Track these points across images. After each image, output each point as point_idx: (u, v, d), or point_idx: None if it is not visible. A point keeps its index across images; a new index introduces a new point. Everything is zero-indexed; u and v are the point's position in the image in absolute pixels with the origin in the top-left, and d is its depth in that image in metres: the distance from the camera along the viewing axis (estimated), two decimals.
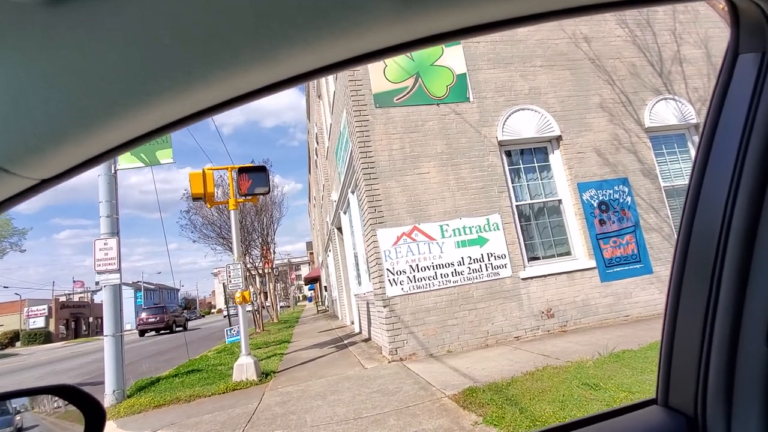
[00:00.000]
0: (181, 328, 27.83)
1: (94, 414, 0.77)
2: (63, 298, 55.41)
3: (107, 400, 5.85)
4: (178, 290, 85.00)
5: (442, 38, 0.42)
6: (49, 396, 1.20)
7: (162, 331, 26.54)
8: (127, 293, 59.25)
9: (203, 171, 6.73)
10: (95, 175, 6.61)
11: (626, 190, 6.64)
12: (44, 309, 47.86)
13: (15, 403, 1.18)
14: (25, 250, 34.52)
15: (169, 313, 27.45)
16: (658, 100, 7.08)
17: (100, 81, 0.36)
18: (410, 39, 0.41)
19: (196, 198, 7.03)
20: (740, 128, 0.57)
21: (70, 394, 0.79)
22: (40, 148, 0.40)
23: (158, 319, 26.58)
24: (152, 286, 70.71)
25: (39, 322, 46.90)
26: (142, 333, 26.78)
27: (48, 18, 0.31)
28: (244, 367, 6.12)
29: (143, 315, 27.40)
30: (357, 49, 0.40)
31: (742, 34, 0.57)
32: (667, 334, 0.68)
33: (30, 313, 47.13)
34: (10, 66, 0.34)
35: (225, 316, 15.65)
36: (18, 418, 1.16)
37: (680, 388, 0.66)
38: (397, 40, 0.41)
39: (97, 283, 6.53)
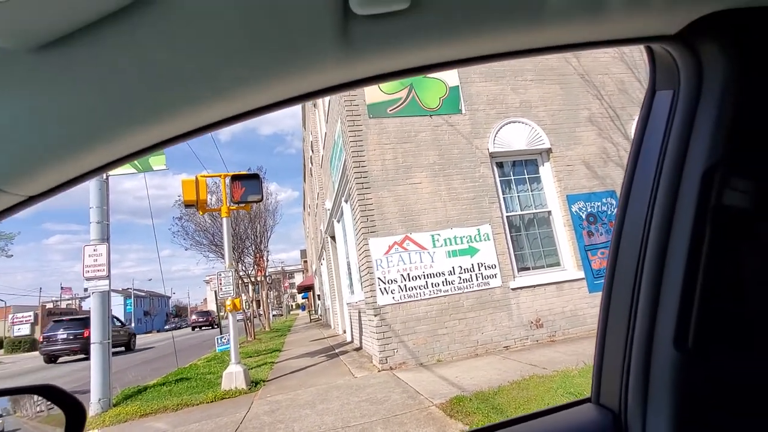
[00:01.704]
0: (217, 327, 40.17)
1: (75, 414, 0.79)
2: (50, 305, 54.45)
3: (92, 409, 5.76)
4: (169, 298, 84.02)
5: (378, 79, 0.49)
6: (32, 399, 1.21)
7: (204, 327, 36.59)
8: (117, 300, 58.43)
9: (196, 178, 6.74)
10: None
11: (614, 202, 6.75)
12: (30, 316, 46.93)
13: None
14: (12, 255, 34.03)
15: (212, 316, 38.49)
16: None
17: (82, 112, 0.42)
18: (350, 80, 0.48)
19: (188, 205, 7.04)
20: (656, 157, 0.64)
21: (51, 393, 0.81)
22: (28, 168, 0.46)
23: (205, 319, 37.96)
24: (143, 294, 69.74)
25: (24, 330, 45.93)
26: (193, 328, 36.84)
27: (36, 62, 0.38)
28: (233, 376, 6.07)
29: (194, 317, 39.64)
30: (306, 87, 0.47)
31: (658, 74, 0.64)
32: (600, 338, 0.74)
33: (15, 320, 46.23)
34: (2, 99, 0.40)
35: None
36: (0, 421, 1.18)
37: (609, 386, 0.72)
38: (338, 80, 0.47)
39: (85, 290, 6.47)
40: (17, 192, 0.47)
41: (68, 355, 17.96)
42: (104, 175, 6.69)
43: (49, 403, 0.94)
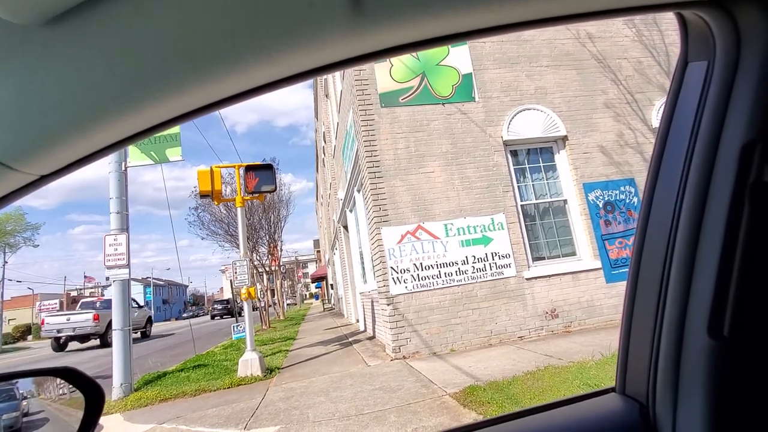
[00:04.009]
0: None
1: (93, 396, 0.80)
2: (74, 293, 56.31)
3: (114, 394, 5.95)
4: (186, 287, 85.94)
5: (392, 51, 0.46)
6: (55, 382, 1.25)
7: (225, 316, 42.92)
8: (137, 289, 60.00)
9: (211, 169, 6.80)
10: (107, 172, 6.73)
11: (633, 190, 6.59)
12: (56, 303, 48.67)
13: (22, 389, 1.23)
14: (38, 245, 34.96)
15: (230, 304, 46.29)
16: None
17: (92, 87, 0.41)
18: (362, 53, 0.45)
19: (204, 195, 7.12)
20: (688, 133, 0.60)
21: (70, 376, 0.83)
22: (39, 146, 0.45)
23: (223, 307, 44.51)
24: (161, 282, 71.49)
25: None
26: (213, 317, 43.16)
27: (45, 36, 0.37)
28: (249, 363, 6.19)
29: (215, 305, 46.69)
30: (316, 61, 0.45)
31: (691, 44, 0.60)
32: (625, 327, 0.71)
33: (42, 308, 47.93)
34: (13, 76, 0.39)
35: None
36: (25, 403, 1.21)
37: (635, 376, 0.70)
38: (350, 53, 0.45)
39: (107, 278, 6.64)
40: (29, 171, 0.47)
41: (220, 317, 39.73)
42: (123, 166, 6.80)
43: (71, 386, 0.96)
